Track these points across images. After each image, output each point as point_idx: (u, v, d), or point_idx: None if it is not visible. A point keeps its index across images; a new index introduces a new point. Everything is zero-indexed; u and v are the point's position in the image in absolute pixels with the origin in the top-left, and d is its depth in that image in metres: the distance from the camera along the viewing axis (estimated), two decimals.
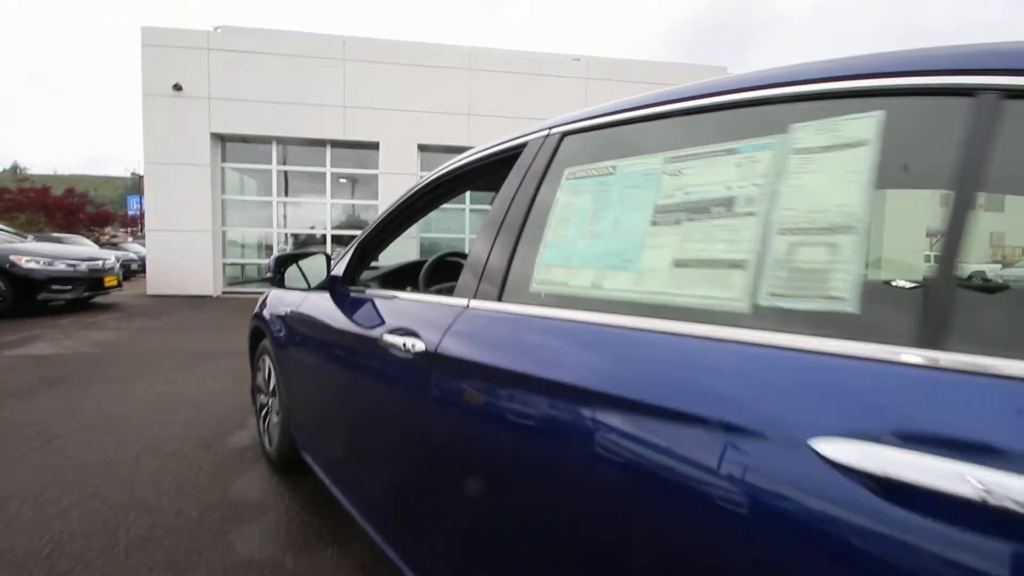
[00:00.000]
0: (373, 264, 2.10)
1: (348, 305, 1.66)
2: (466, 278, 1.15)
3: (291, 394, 2.06)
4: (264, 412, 2.47)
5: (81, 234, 26.39)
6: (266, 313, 2.34)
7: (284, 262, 1.72)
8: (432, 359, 1.08)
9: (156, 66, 9.26)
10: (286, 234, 10.46)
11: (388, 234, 1.75)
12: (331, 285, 1.82)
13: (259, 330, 2.43)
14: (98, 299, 8.39)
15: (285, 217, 10.41)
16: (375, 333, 1.34)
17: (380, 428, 1.34)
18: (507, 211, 1.10)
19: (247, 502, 2.07)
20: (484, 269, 1.10)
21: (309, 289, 1.78)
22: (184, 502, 2.05)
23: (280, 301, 2.19)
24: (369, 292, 1.61)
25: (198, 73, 9.38)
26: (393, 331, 1.26)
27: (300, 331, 1.94)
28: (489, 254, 1.10)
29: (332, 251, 9.85)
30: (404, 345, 1.17)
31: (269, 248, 10.32)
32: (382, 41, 10.90)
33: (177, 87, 9.31)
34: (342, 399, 1.59)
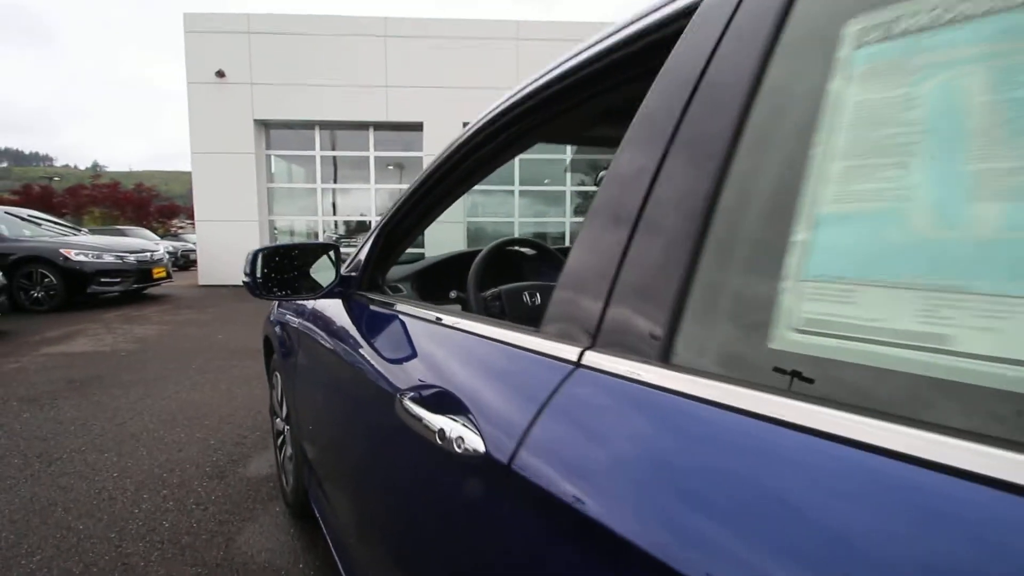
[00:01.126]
0: (411, 251, 1.54)
1: (364, 323, 1.11)
2: (568, 301, 0.55)
3: (301, 429, 1.55)
4: (280, 440, 1.99)
5: (150, 226, 27.93)
6: (274, 318, 1.84)
7: (268, 259, 1.19)
8: (499, 475, 0.50)
9: (199, 53, 9.13)
10: (335, 221, 10.24)
11: (421, 216, 1.18)
12: (343, 290, 1.27)
13: (269, 341, 1.94)
14: (151, 290, 8.43)
15: (334, 205, 10.16)
16: (398, 385, 0.78)
17: (409, 525, 0.77)
18: (665, 153, 0.48)
19: (250, 568, 1.59)
20: (614, 284, 0.49)
21: (316, 295, 1.24)
22: (174, 566, 1.60)
23: (287, 306, 1.68)
24: (399, 304, 1.05)
25: (240, 58, 9.19)
26: (424, 397, 0.68)
27: (303, 353, 1.41)
28: (626, 250, 0.49)
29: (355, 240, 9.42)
30: (445, 434, 0.59)
31: (315, 236, 10.15)
32: (423, 19, 10.35)
33: (220, 73, 9.16)
34: (357, 466, 1.04)
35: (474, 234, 9.81)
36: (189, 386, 3.47)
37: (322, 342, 1.26)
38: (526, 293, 1.36)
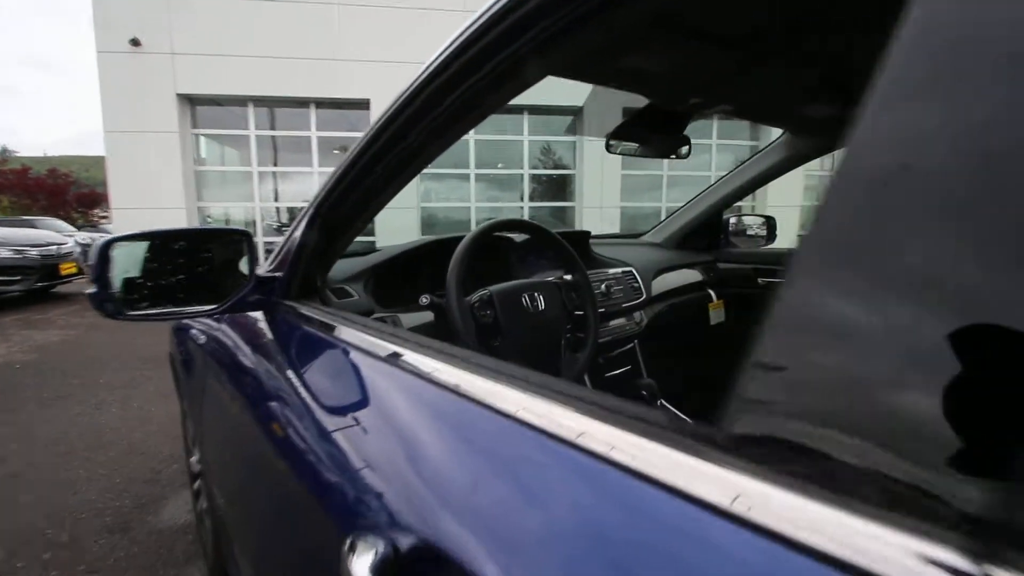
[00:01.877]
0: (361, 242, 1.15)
1: (291, 357, 0.73)
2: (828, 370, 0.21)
3: (211, 477, 1.15)
4: (196, 485, 1.56)
5: (68, 216, 25.22)
6: (176, 336, 1.40)
7: (130, 254, 0.77)
8: None
9: (109, 18, 8.04)
10: (276, 208, 9.42)
11: (369, 193, 0.80)
12: (263, 299, 0.88)
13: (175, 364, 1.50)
14: (60, 288, 7.45)
15: (275, 191, 9.33)
16: (344, 514, 0.42)
17: None
18: None
19: None
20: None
21: (216, 309, 0.84)
22: None
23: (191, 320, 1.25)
24: (345, 327, 0.68)
25: (158, 25, 8.16)
26: (391, 558, 0.32)
27: (209, 385, 1.01)
28: None
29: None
30: None
31: (254, 224, 9.31)
32: None
33: (135, 42, 8.11)
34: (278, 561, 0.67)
35: (427, 221, 9.30)
36: (94, 405, 2.91)
37: (227, 381, 0.87)
38: (525, 296, 1.01)
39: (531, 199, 9.62)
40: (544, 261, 1.51)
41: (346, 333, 0.66)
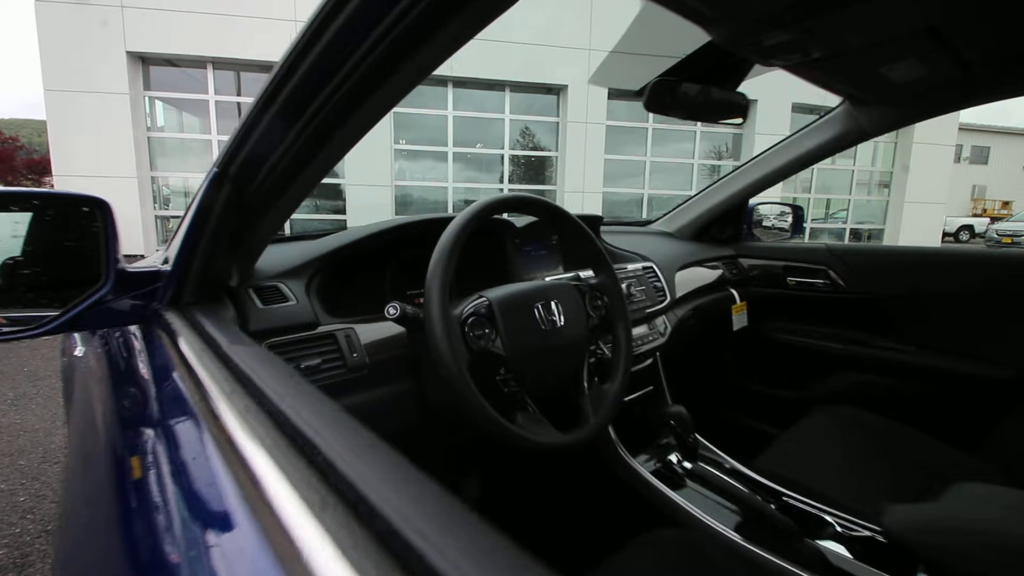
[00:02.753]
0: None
1: (158, 408, 0.43)
2: None
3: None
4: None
5: (16, 184, 23.47)
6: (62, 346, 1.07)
7: None
8: None
9: None
10: None
11: (297, 143, 0.48)
12: (142, 307, 0.56)
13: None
14: None
15: None
16: None
17: None
18: None
19: None
20: None
21: (58, 323, 0.52)
22: None
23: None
24: (266, 369, 0.38)
25: None
26: None
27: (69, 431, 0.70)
28: None
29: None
30: None
31: None
32: None
33: None
34: None
35: (401, 200, 8.86)
36: (11, 400, 2.51)
37: (78, 431, 0.56)
38: (538, 307, 0.71)
39: (510, 181, 9.27)
40: (544, 253, 1.22)
41: (271, 391, 0.36)
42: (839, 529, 0.87)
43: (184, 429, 0.40)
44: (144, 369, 0.53)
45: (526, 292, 0.73)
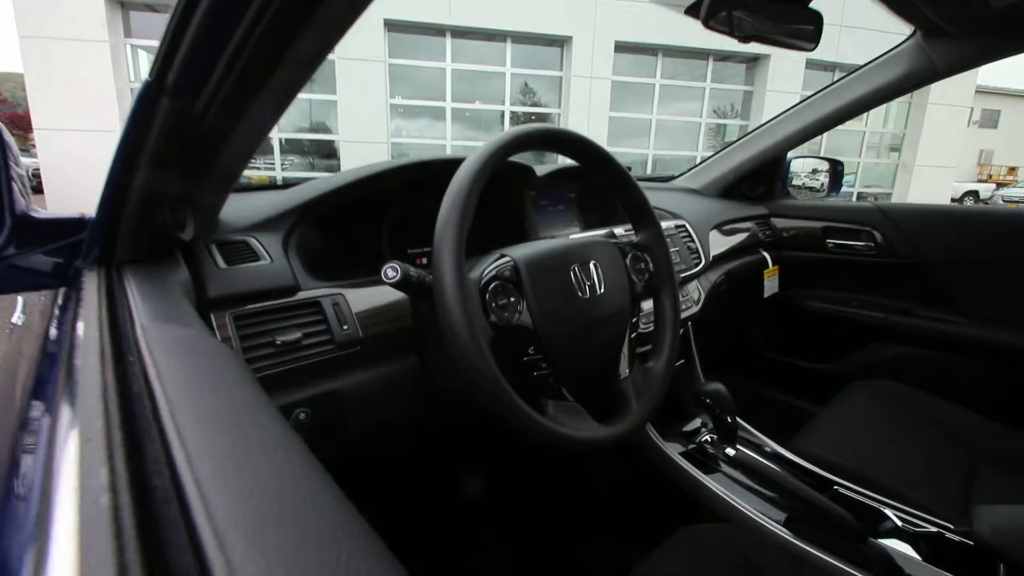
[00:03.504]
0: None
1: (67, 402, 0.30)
2: None
3: None
4: None
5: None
6: None
7: None
8: None
9: None
10: None
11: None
12: (61, 268, 0.42)
13: None
14: None
15: None
16: None
17: None
18: None
19: None
20: None
21: None
22: None
23: None
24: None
25: None
26: None
27: None
28: None
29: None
30: None
31: None
32: None
33: None
34: None
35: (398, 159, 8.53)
36: None
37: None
38: (575, 269, 0.58)
39: None
40: (562, 209, 1.07)
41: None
42: (900, 524, 0.76)
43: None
44: (33, 350, 0.40)
45: (560, 251, 0.59)
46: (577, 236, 0.75)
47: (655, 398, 0.62)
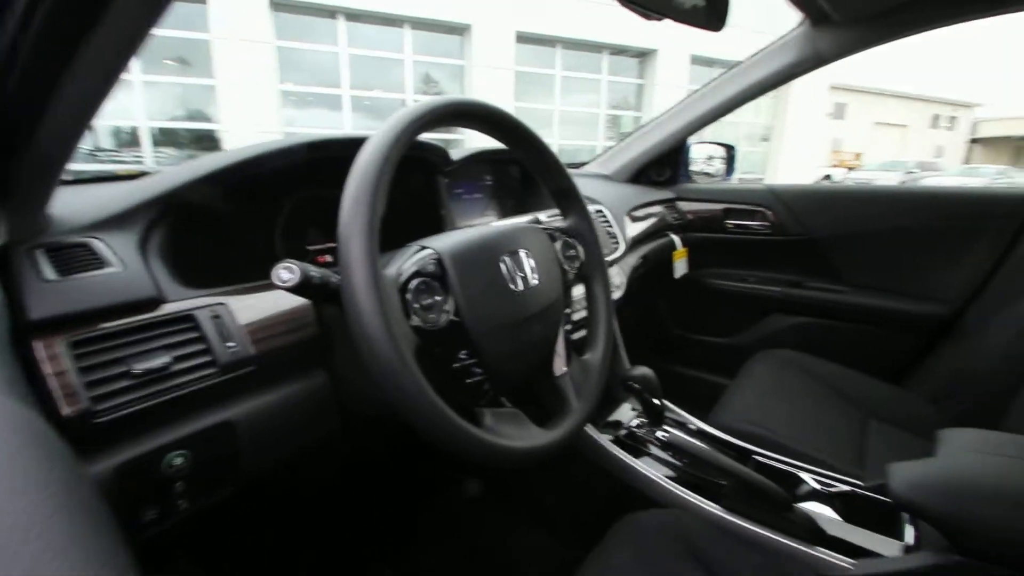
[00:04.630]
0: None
1: None
2: None
3: None
4: None
5: None
6: None
7: None
8: None
9: None
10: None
11: None
12: None
13: None
14: None
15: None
16: None
17: None
18: None
19: None
20: None
21: None
22: None
23: None
24: None
25: None
26: None
27: None
28: None
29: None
30: None
31: None
32: None
33: None
34: None
35: None
36: None
37: None
38: (505, 259, 0.52)
39: None
40: (479, 197, 1.01)
41: None
42: (818, 487, 0.81)
43: None
44: None
45: (488, 240, 0.53)
46: (502, 223, 0.70)
47: (596, 392, 0.59)
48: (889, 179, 12.66)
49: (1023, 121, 22.92)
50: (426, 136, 0.64)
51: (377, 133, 0.45)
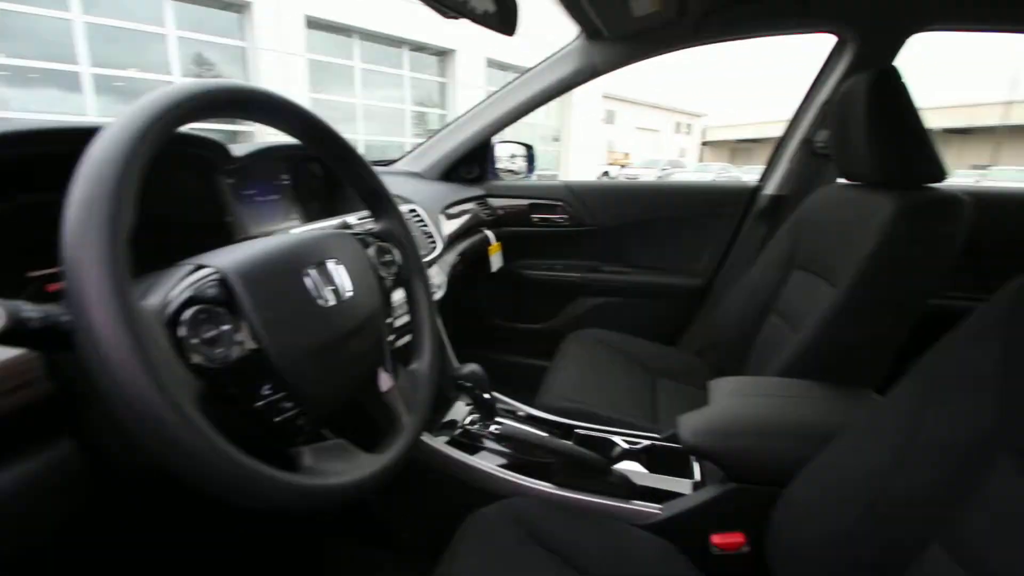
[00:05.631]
0: None
1: None
2: None
3: None
4: None
5: None
6: None
7: None
8: None
9: None
10: None
11: None
12: None
13: None
14: None
15: None
16: None
17: None
18: None
19: None
20: None
21: None
22: None
23: None
24: None
25: None
26: None
27: None
28: None
29: None
30: None
31: None
32: None
33: None
34: None
35: None
36: None
37: None
38: (310, 274, 0.45)
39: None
40: (276, 199, 0.90)
41: None
42: (627, 447, 0.92)
43: None
44: None
45: (286, 251, 0.45)
46: (303, 230, 0.61)
47: (427, 402, 0.56)
48: (650, 174, 15.22)
49: (735, 128, 29.92)
50: (201, 127, 0.53)
51: (115, 123, 0.34)
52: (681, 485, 0.81)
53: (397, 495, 0.90)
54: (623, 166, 24.70)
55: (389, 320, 0.61)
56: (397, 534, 0.92)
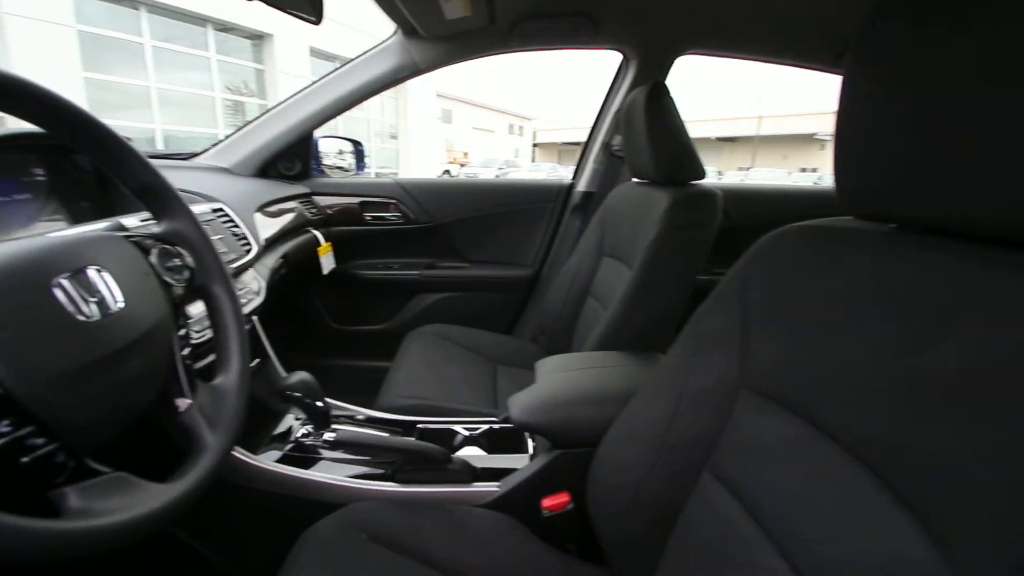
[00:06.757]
0: None
1: None
2: None
3: None
4: None
5: None
6: None
7: None
8: None
9: None
10: None
11: None
12: None
13: None
14: None
15: None
16: None
17: None
18: None
19: None
20: None
21: None
22: None
23: None
24: None
25: None
26: None
27: None
28: None
29: None
30: None
31: None
32: None
33: None
34: None
35: None
36: None
37: None
38: (62, 284, 0.38)
39: None
40: (27, 198, 0.74)
41: None
42: (467, 434, 0.96)
43: None
44: None
45: (27, 260, 0.37)
46: (55, 236, 0.50)
47: (235, 419, 0.51)
48: (489, 173, 15.81)
49: (561, 131, 32.55)
50: None
51: None
52: (518, 461, 0.87)
53: (217, 523, 0.80)
54: (463, 165, 25.19)
55: (183, 332, 0.54)
56: (220, 564, 0.82)
